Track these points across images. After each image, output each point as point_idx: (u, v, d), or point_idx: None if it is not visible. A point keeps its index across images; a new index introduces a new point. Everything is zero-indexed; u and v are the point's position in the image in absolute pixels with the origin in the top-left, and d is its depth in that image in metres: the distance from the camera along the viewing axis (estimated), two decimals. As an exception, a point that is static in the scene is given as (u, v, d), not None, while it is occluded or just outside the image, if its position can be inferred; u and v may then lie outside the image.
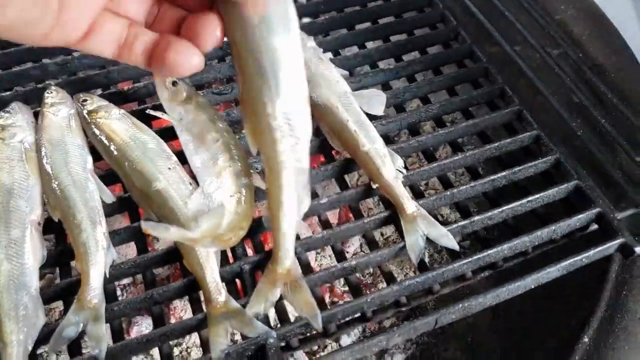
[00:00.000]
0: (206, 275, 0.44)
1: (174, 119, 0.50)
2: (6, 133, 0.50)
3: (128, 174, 0.49)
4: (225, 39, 0.36)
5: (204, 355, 0.43)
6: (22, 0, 0.31)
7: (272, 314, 0.59)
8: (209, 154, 0.48)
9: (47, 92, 0.53)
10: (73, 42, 0.35)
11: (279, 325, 0.45)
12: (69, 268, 0.49)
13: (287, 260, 0.44)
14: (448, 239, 0.47)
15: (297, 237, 0.47)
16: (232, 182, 0.47)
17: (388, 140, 0.55)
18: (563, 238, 0.51)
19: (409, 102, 0.80)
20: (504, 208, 0.50)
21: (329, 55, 0.64)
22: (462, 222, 0.49)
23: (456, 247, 0.47)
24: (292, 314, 0.47)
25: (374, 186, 0.51)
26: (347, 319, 0.46)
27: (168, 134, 0.53)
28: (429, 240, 0.48)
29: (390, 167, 0.50)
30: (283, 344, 0.45)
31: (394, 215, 0.50)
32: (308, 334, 0.46)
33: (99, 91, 0.60)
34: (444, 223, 0.48)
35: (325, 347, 0.72)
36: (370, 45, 0.66)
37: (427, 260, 0.76)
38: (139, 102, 0.60)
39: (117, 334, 0.46)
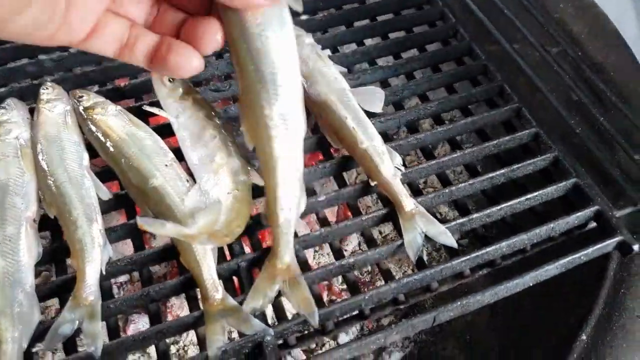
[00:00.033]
0: (203, 273, 0.44)
1: (171, 116, 0.50)
2: (1, 129, 0.50)
3: (125, 171, 0.48)
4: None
5: (200, 353, 0.43)
6: (34, 8, 0.32)
7: (269, 312, 0.59)
8: (206, 150, 0.48)
9: (43, 88, 0.53)
10: (77, 42, 0.37)
11: (276, 323, 0.45)
12: (65, 265, 0.48)
13: (286, 256, 0.44)
14: (446, 237, 0.47)
15: (295, 235, 0.46)
16: (229, 179, 0.46)
17: (387, 137, 0.55)
18: (561, 236, 0.50)
19: (408, 99, 0.80)
20: (503, 206, 0.50)
21: (328, 52, 0.64)
22: (461, 220, 0.49)
23: (454, 245, 0.47)
24: (289, 311, 0.47)
25: (372, 184, 0.51)
26: (345, 316, 0.46)
27: (165, 131, 0.52)
28: (427, 238, 0.48)
29: (388, 165, 0.49)
30: (280, 341, 0.45)
31: (392, 212, 0.49)
32: (306, 332, 0.46)
33: (96, 87, 0.60)
34: (443, 221, 0.48)
35: (323, 345, 0.72)
36: (368, 42, 0.66)
37: (425, 258, 0.75)
38: (136, 98, 0.59)
39: (113, 331, 0.45)
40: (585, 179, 0.52)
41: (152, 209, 0.47)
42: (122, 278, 0.73)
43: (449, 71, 0.62)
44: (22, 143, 0.50)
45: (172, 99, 0.50)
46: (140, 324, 0.68)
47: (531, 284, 0.47)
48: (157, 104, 0.51)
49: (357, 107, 0.52)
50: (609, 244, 0.49)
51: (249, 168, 0.48)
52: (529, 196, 0.51)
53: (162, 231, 0.43)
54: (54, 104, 0.52)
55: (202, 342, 0.44)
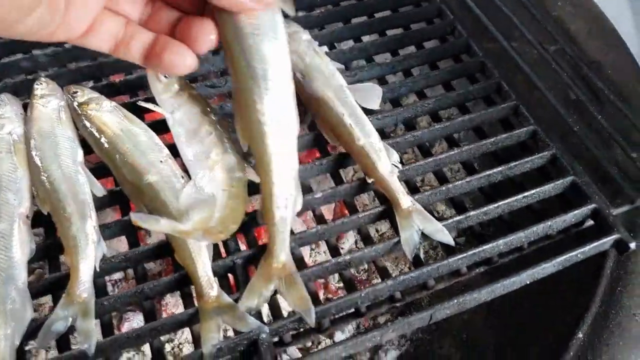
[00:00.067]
0: (198, 270, 0.44)
1: (166, 112, 0.49)
2: (-5, 125, 0.49)
3: (119, 167, 0.48)
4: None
5: (195, 351, 0.43)
6: (41, 9, 0.34)
7: (265, 310, 0.58)
8: (202, 146, 0.47)
9: (37, 84, 0.52)
10: (75, 38, 0.38)
11: (272, 321, 0.44)
12: (59, 262, 0.48)
13: (282, 255, 0.44)
14: (443, 234, 0.47)
15: (291, 232, 0.46)
16: (224, 175, 0.46)
17: (384, 135, 0.55)
18: (559, 234, 0.50)
19: (405, 97, 0.80)
20: (500, 203, 0.50)
21: (325, 49, 0.63)
22: (458, 217, 0.49)
23: (451, 243, 0.47)
24: (285, 309, 0.47)
25: (369, 181, 0.50)
26: (341, 314, 0.46)
27: (160, 127, 0.52)
28: (424, 236, 0.47)
29: (385, 162, 0.49)
30: (276, 339, 0.44)
31: (389, 210, 0.49)
32: (301, 330, 0.45)
33: (91, 83, 0.59)
34: (440, 219, 0.48)
35: (319, 343, 0.71)
36: (366, 39, 0.66)
37: (422, 256, 0.75)
38: (131, 94, 0.59)
39: (107, 328, 0.45)
40: (582, 177, 0.52)
41: (146, 206, 0.47)
42: (117, 276, 0.72)
43: (446, 68, 0.62)
44: (15, 139, 0.49)
45: (168, 95, 0.50)
46: (135, 322, 0.68)
47: (528, 282, 0.47)
48: (152, 100, 0.51)
49: (354, 104, 0.52)
50: (606, 241, 0.49)
51: (245, 165, 0.48)
52: (526, 194, 0.51)
53: (156, 227, 0.42)
54: (48, 99, 0.51)
55: (196, 340, 0.44)
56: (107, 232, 0.48)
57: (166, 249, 0.47)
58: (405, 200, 0.48)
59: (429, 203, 0.51)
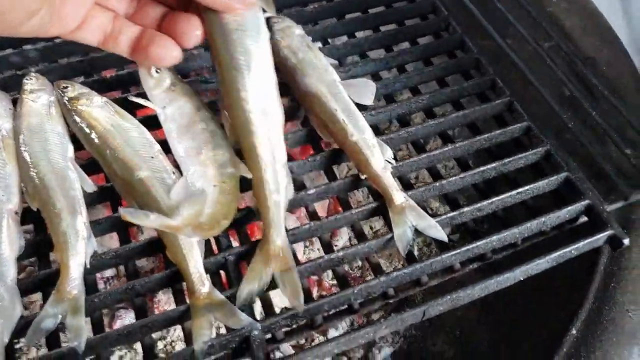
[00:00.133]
0: (189, 266, 0.43)
1: (157, 107, 0.49)
2: (-17, 120, 0.49)
3: (110, 163, 0.48)
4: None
5: (186, 348, 0.42)
6: (42, 11, 0.36)
7: (257, 308, 0.58)
8: (193, 142, 0.47)
9: (26, 79, 0.51)
10: (67, 33, 0.40)
11: (264, 318, 0.44)
12: (49, 258, 0.47)
13: (278, 238, 0.44)
14: (436, 230, 0.47)
15: (285, 229, 0.46)
16: (216, 171, 0.46)
17: (378, 131, 0.54)
18: (553, 230, 0.50)
19: (400, 93, 0.79)
20: (494, 199, 0.50)
21: (318, 44, 0.63)
22: (451, 214, 0.49)
23: (445, 239, 0.47)
24: (277, 306, 0.47)
25: (363, 177, 0.50)
26: (334, 310, 0.45)
27: (152, 123, 0.51)
28: (417, 233, 0.47)
29: (379, 158, 0.49)
30: (268, 336, 0.44)
31: (382, 206, 0.49)
32: (294, 326, 0.45)
33: (82, 78, 0.58)
34: (434, 216, 0.48)
35: (313, 340, 0.71)
36: (360, 34, 0.65)
37: (416, 254, 0.75)
38: (123, 90, 0.58)
39: (98, 326, 0.44)
40: (576, 173, 0.52)
41: (137, 202, 0.46)
42: (109, 273, 0.72)
43: (440, 64, 0.61)
44: (4, 134, 0.48)
45: (159, 91, 0.49)
46: (127, 319, 0.67)
47: (522, 278, 0.47)
48: (144, 96, 0.50)
49: (348, 100, 0.51)
50: (600, 238, 0.49)
51: (237, 160, 0.47)
52: (520, 190, 0.51)
53: (145, 222, 0.42)
54: (38, 94, 0.50)
55: (188, 337, 0.43)
56: (97, 228, 0.48)
57: (157, 245, 0.46)
58: (398, 196, 0.48)
59: (422, 199, 0.50)
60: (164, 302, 0.69)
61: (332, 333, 0.71)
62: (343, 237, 0.78)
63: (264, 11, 0.45)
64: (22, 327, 0.42)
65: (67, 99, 0.50)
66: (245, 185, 0.48)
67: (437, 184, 0.51)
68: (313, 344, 0.71)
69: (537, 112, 0.57)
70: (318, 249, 0.76)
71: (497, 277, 0.46)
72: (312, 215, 0.51)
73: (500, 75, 0.60)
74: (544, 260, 0.47)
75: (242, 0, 0.42)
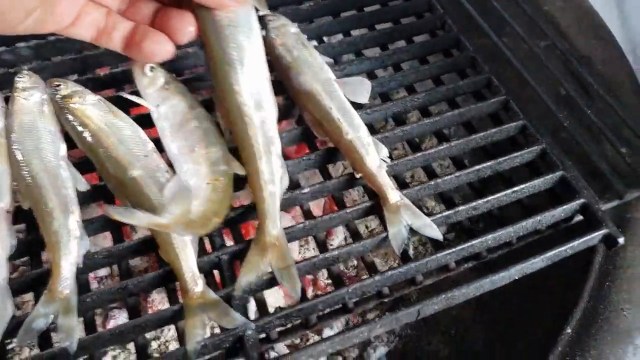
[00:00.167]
0: (182, 266, 0.43)
1: (151, 105, 0.48)
2: (-26, 118, 0.48)
3: (103, 162, 0.47)
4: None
5: (179, 348, 0.42)
6: (39, 9, 0.37)
7: (252, 307, 0.58)
8: (186, 140, 0.46)
9: (19, 77, 0.51)
10: (61, 29, 0.41)
11: (258, 317, 0.44)
12: (41, 258, 0.47)
13: (274, 230, 0.44)
14: (432, 229, 0.47)
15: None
16: (208, 169, 0.45)
17: (373, 129, 0.54)
18: (548, 229, 0.50)
19: (396, 92, 0.79)
20: (489, 198, 0.50)
21: (314, 43, 0.63)
22: (446, 212, 0.49)
23: (440, 237, 0.47)
24: (271, 305, 0.46)
25: (358, 176, 0.50)
26: (329, 310, 0.45)
27: (146, 121, 0.51)
28: (413, 232, 0.47)
29: (374, 156, 0.49)
30: (262, 335, 0.44)
31: (377, 205, 0.49)
32: (289, 325, 0.45)
33: (75, 76, 0.58)
34: (429, 215, 0.47)
35: (308, 340, 0.71)
36: (355, 33, 0.65)
37: (411, 253, 0.75)
38: (117, 88, 0.58)
39: (90, 325, 0.44)
40: (572, 171, 0.52)
41: (131, 201, 0.46)
42: (103, 272, 0.71)
43: (436, 63, 0.61)
44: (-5, 132, 0.48)
45: (153, 89, 0.49)
46: (120, 319, 0.67)
47: (517, 277, 0.47)
48: (137, 94, 0.50)
49: (343, 98, 0.51)
50: (595, 236, 0.48)
51: (231, 158, 0.47)
52: (515, 189, 0.50)
53: (133, 220, 0.41)
54: (30, 92, 0.50)
55: (182, 337, 0.43)
56: (91, 227, 0.47)
57: (151, 244, 0.46)
58: (393, 195, 0.47)
59: (417, 198, 0.50)
60: (158, 301, 0.69)
61: (327, 332, 0.71)
62: (339, 236, 0.78)
63: (257, 10, 0.47)
64: (14, 327, 0.42)
65: (59, 97, 0.50)
66: (239, 184, 0.48)
67: (433, 182, 0.51)
68: (308, 343, 0.71)
69: (532, 110, 0.57)
70: (313, 248, 0.76)
71: (492, 276, 0.46)
72: (307, 214, 0.50)
73: (496, 74, 0.59)
74: (539, 259, 0.47)
75: None
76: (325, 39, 0.65)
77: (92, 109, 0.49)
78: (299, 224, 0.48)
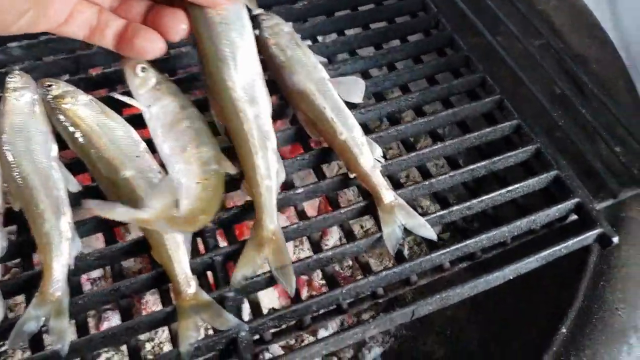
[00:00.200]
0: (175, 267, 0.43)
1: (142, 106, 0.48)
2: (-35, 119, 0.48)
3: (94, 162, 0.47)
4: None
5: (172, 350, 0.42)
6: (33, 10, 0.38)
7: (245, 309, 0.57)
8: (178, 140, 0.46)
9: (10, 77, 0.50)
10: (54, 28, 0.41)
11: (252, 319, 0.43)
12: (32, 260, 0.47)
13: (271, 224, 0.44)
14: (426, 229, 0.46)
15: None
16: (199, 168, 0.45)
17: (368, 129, 0.54)
18: (542, 228, 0.50)
19: (391, 91, 0.79)
20: (484, 198, 0.50)
21: (308, 42, 0.62)
22: (441, 212, 0.48)
23: (434, 237, 0.46)
24: (265, 307, 0.46)
25: (352, 176, 0.50)
26: (323, 311, 0.45)
27: (138, 122, 0.50)
28: (407, 232, 0.47)
29: (368, 156, 0.48)
30: (256, 337, 0.43)
31: (371, 205, 0.48)
32: (283, 327, 0.45)
33: (67, 76, 0.58)
34: (423, 215, 0.47)
35: (302, 340, 0.71)
36: (349, 32, 0.65)
37: (406, 253, 0.75)
38: (109, 88, 0.57)
39: (82, 328, 0.44)
40: (566, 171, 0.52)
41: (123, 201, 0.45)
42: (96, 274, 0.71)
43: (430, 62, 0.61)
44: (-15, 133, 0.47)
45: (144, 89, 0.49)
46: (113, 321, 0.66)
47: (511, 277, 0.47)
48: (130, 94, 0.49)
49: (337, 97, 0.51)
50: (589, 236, 0.48)
51: (222, 157, 0.47)
52: (510, 188, 0.50)
53: (113, 215, 0.40)
54: (21, 92, 0.49)
55: (175, 339, 0.42)
56: (83, 229, 0.47)
57: (143, 246, 0.45)
58: (387, 195, 0.47)
59: (411, 198, 0.50)
60: (152, 302, 0.68)
61: (322, 333, 0.71)
62: (334, 237, 0.77)
63: (249, 10, 0.47)
64: (5, 330, 0.41)
65: (51, 97, 0.49)
66: (233, 185, 0.47)
67: (427, 182, 0.51)
68: (302, 344, 0.70)
69: (526, 109, 0.57)
70: (308, 249, 0.75)
71: (487, 276, 0.46)
72: (301, 215, 0.50)
73: (490, 73, 0.59)
74: (533, 259, 0.47)
75: None
76: (319, 38, 0.65)
77: (84, 110, 0.49)
78: (293, 224, 0.48)
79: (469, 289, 0.46)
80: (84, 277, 0.67)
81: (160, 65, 0.51)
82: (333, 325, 0.71)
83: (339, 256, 0.47)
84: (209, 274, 0.46)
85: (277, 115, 0.53)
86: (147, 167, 0.46)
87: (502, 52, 0.61)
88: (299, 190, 0.49)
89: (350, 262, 0.77)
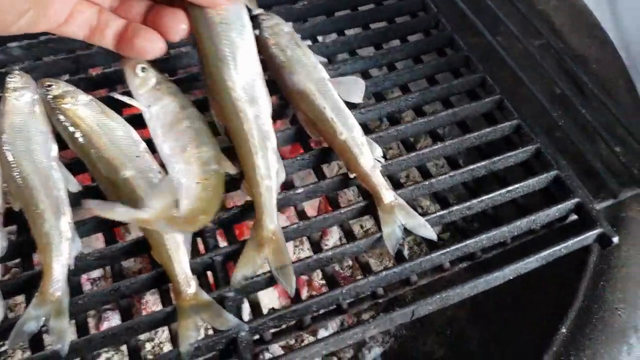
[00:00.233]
0: (175, 267, 0.43)
1: (142, 106, 0.48)
2: (-35, 119, 0.48)
3: (94, 162, 0.47)
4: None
5: (172, 350, 0.42)
6: (33, 10, 0.38)
7: (245, 309, 0.57)
8: (178, 141, 0.46)
9: (10, 77, 0.50)
10: (54, 28, 0.41)
11: (252, 319, 0.43)
12: (32, 260, 0.47)
13: (271, 223, 0.44)
14: (426, 229, 0.46)
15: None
16: (199, 168, 0.45)
17: (367, 129, 0.54)
18: (542, 228, 0.50)
19: (391, 91, 0.79)
20: (484, 198, 0.50)
21: (308, 42, 0.62)
22: (441, 212, 0.48)
23: (434, 237, 0.46)
24: (265, 307, 0.46)
25: (352, 176, 0.50)
26: (323, 311, 0.45)
27: (139, 122, 0.50)
28: (408, 231, 0.47)
29: (368, 156, 0.48)
30: (256, 337, 0.43)
31: (371, 205, 0.48)
32: (283, 326, 0.45)
33: (67, 76, 0.58)
34: (423, 215, 0.47)
35: (302, 340, 0.71)
36: (349, 32, 0.65)
37: (406, 253, 0.75)
38: (109, 88, 0.57)
39: (82, 328, 0.44)
40: (566, 171, 0.52)
41: (123, 201, 0.45)
42: (96, 274, 0.71)
43: (430, 62, 0.61)
44: (-15, 133, 0.47)
45: (144, 89, 0.49)
46: (114, 321, 0.66)
47: (511, 277, 0.47)
48: (130, 94, 0.49)
49: (337, 97, 0.51)
50: (589, 236, 0.48)
51: (222, 157, 0.47)
52: (510, 188, 0.50)
53: (112, 215, 0.40)
54: (21, 92, 0.49)
55: (175, 339, 0.42)
56: (83, 229, 0.47)
57: (143, 246, 0.45)
58: (387, 195, 0.47)
59: (411, 198, 0.50)
60: (152, 302, 0.68)
61: (322, 333, 0.71)
62: (334, 237, 0.77)
63: (249, 10, 0.47)
64: (5, 330, 0.41)
65: (51, 97, 0.49)
66: (233, 185, 0.47)
67: (427, 182, 0.51)
68: (302, 344, 0.70)
69: (527, 109, 0.57)
70: (308, 249, 0.75)
71: (487, 276, 0.46)
72: (301, 215, 0.50)
73: (490, 73, 0.59)
74: (533, 259, 0.47)
75: None
76: (319, 38, 0.65)
77: (84, 110, 0.49)
78: (293, 224, 0.48)
79: (469, 289, 0.46)
80: (84, 277, 0.67)
81: (160, 65, 0.52)
82: (333, 325, 0.71)
83: (339, 256, 0.47)
84: (209, 274, 0.46)
85: (277, 115, 0.53)
86: (147, 167, 0.46)
87: (502, 52, 0.61)
88: (299, 190, 0.50)
89: (350, 262, 0.77)
